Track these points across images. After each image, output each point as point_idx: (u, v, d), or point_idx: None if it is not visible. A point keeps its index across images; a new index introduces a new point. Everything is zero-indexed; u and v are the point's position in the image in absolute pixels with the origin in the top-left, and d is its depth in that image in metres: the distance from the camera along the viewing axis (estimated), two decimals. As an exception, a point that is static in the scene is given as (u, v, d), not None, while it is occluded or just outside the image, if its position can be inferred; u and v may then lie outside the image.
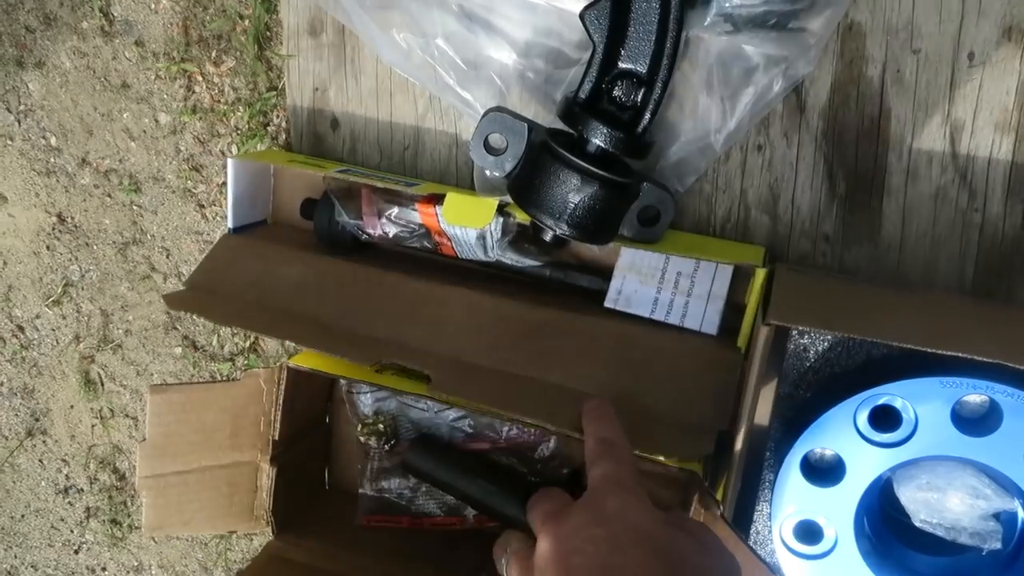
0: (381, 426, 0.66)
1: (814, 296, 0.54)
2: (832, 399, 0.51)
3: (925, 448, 0.49)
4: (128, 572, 1.02)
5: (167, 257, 0.85)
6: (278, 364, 0.61)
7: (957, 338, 0.46)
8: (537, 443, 0.64)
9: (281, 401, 0.61)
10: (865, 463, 0.50)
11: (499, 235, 0.63)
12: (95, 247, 0.88)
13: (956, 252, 0.58)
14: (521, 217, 0.61)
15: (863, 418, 0.50)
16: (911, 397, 0.48)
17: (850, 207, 0.60)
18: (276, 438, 0.62)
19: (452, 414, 0.65)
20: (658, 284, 0.62)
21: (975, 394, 0.48)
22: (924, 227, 0.59)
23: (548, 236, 0.56)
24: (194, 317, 0.87)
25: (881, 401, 0.49)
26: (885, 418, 0.50)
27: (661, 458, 0.51)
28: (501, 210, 0.61)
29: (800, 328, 0.53)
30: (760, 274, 0.58)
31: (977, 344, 0.45)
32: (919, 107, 0.57)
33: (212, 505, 0.61)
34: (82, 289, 0.90)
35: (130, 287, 0.88)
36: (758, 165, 0.61)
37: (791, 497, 0.52)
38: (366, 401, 0.66)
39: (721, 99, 0.59)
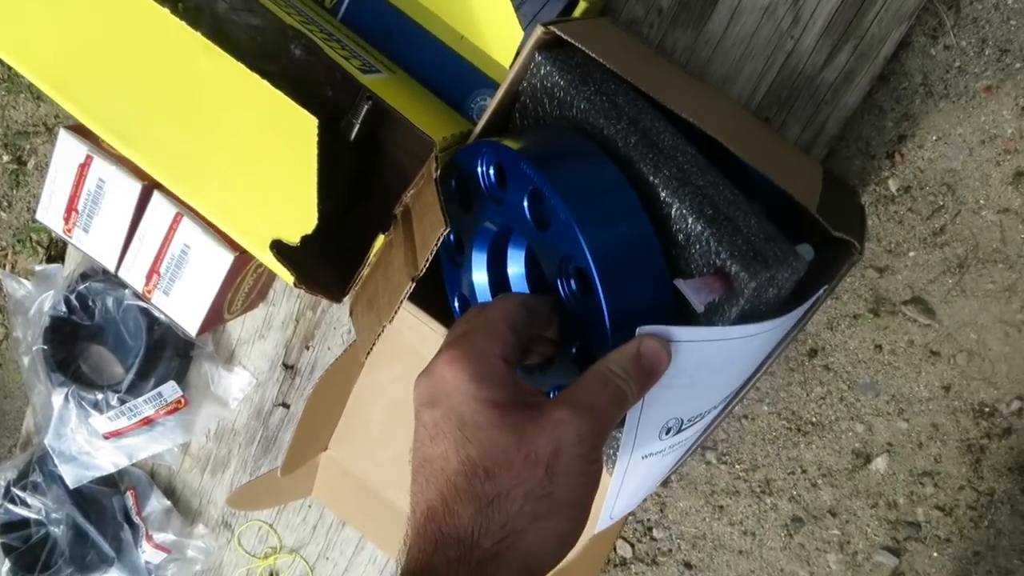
0: (180, 6, 0.64)
1: (609, 39, 0.56)
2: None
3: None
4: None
5: None
6: None
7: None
8: (323, 83, 0.65)
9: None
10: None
11: None
12: None
13: (759, 69, 0.61)
14: None
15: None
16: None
17: (692, -12, 0.61)
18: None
19: (249, 19, 0.64)
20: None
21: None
22: (744, 35, 0.61)
23: None
24: None
25: None
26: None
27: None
28: None
29: (568, 40, 0.48)
30: (582, 5, 0.59)
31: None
32: (791, -85, 0.58)
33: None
34: None
35: None
36: (633, -88, 0.61)
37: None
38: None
39: None
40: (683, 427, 0.49)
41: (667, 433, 0.48)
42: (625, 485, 0.50)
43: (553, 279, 0.46)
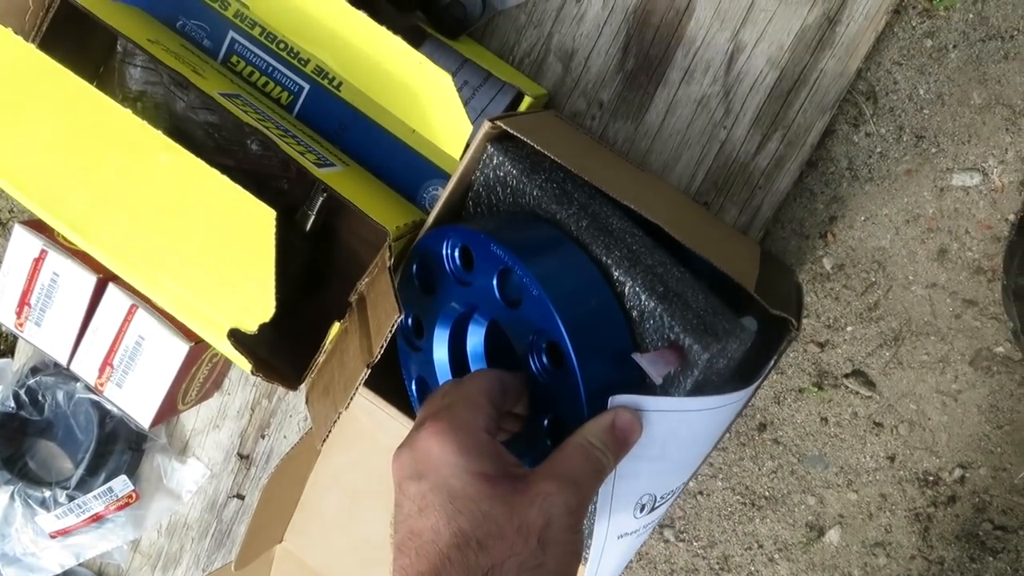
0: (140, 105, 0.66)
1: (554, 131, 0.59)
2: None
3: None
4: None
5: None
6: (55, -8, 0.61)
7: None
8: (279, 175, 0.66)
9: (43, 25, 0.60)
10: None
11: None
12: None
13: (696, 157, 0.65)
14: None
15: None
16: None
17: (630, 84, 0.65)
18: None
19: (207, 116, 0.66)
20: (445, 84, 0.65)
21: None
22: (680, 125, 0.65)
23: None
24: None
25: None
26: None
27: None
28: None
29: (515, 134, 0.51)
30: (527, 100, 0.62)
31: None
32: (718, 17, 0.62)
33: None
34: None
35: None
36: (572, 15, 0.65)
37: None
38: (135, 75, 0.67)
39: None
40: (656, 505, 0.50)
41: (641, 511, 0.49)
42: (602, 567, 0.50)
43: (524, 354, 0.48)
